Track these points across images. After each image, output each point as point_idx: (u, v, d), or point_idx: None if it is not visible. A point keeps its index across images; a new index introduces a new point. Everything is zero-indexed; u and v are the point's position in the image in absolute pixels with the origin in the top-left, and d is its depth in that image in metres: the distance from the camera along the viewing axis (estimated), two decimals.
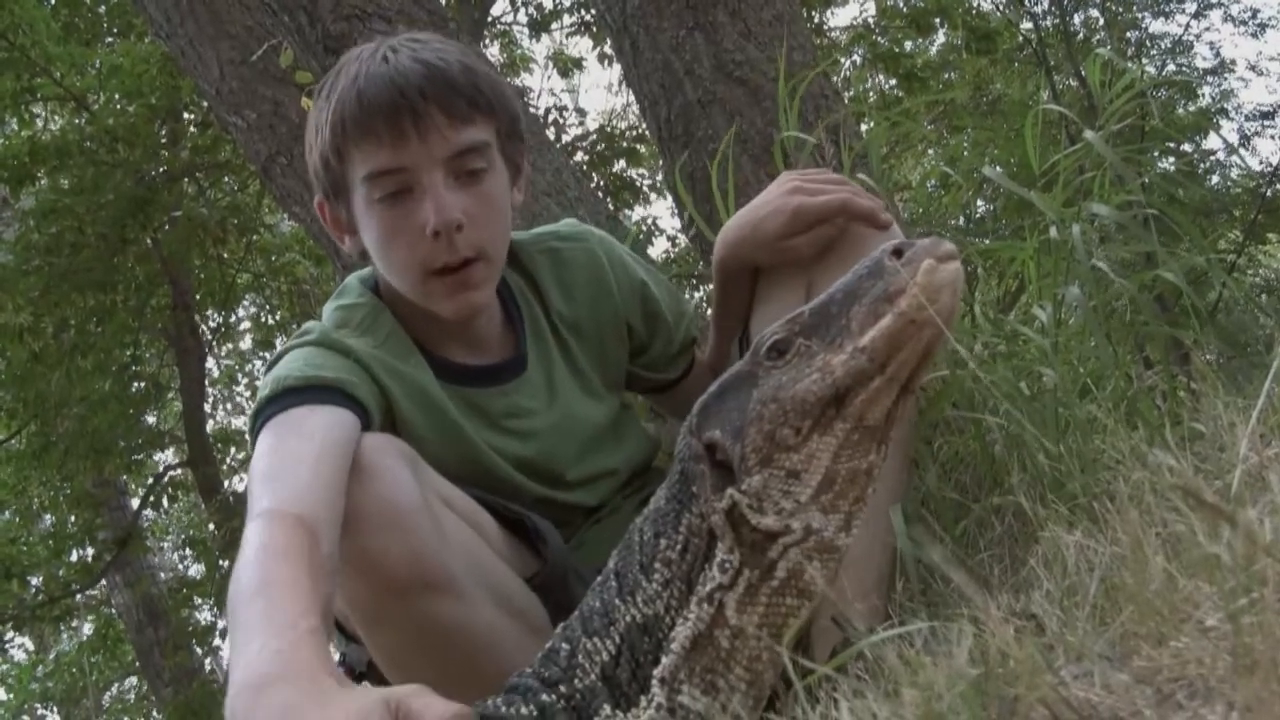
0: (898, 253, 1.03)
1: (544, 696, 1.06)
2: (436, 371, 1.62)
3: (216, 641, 9.04)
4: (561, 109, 7.99)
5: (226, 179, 7.94)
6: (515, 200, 1.64)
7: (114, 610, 9.44)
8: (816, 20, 7.76)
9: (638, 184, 8.37)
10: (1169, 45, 10.49)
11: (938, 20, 7.52)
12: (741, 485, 1.03)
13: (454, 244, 1.50)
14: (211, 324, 9.37)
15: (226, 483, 8.33)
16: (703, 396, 1.10)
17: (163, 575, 9.74)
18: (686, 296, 3.15)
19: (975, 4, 8.13)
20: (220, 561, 7.98)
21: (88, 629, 10.90)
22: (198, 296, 8.35)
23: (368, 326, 1.58)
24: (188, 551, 10.60)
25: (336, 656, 1.51)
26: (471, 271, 1.54)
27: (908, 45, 8.23)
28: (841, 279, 1.07)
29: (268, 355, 9.78)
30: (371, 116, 1.48)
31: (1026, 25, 9.25)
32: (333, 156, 1.53)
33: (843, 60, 7.43)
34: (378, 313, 1.61)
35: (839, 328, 1.03)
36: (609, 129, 8.48)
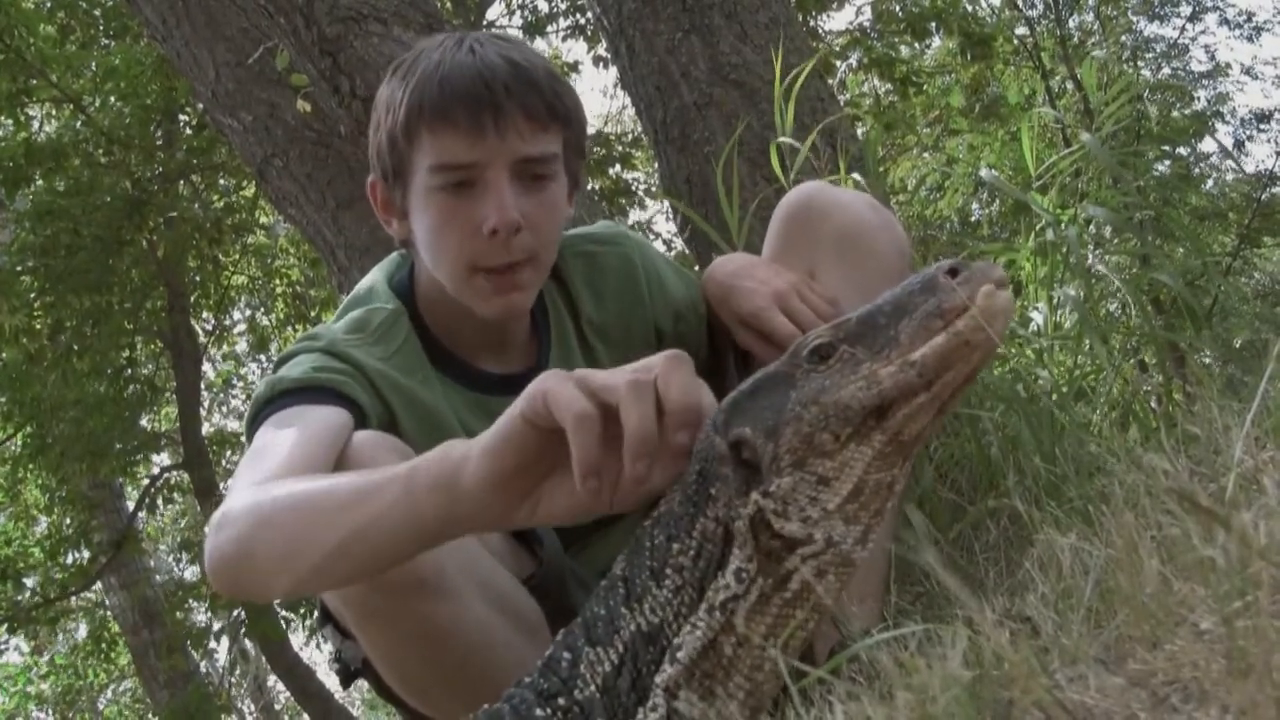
0: (953, 271, 1.03)
1: (538, 712, 1.05)
2: (460, 379, 1.61)
3: (212, 644, 9.03)
4: None
5: (222, 180, 7.94)
6: (567, 213, 1.61)
7: (109, 613, 9.43)
8: (811, 24, 7.76)
9: (633, 188, 8.38)
10: (1164, 49, 10.52)
11: (933, 25, 7.53)
12: (769, 486, 1.01)
13: (509, 245, 1.48)
14: (207, 326, 9.37)
15: (222, 485, 8.30)
16: (732, 394, 1.08)
17: (158, 578, 9.74)
18: None
19: (970, 8, 8.14)
20: None
21: (83, 631, 10.90)
22: (193, 299, 8.34)
23: (381, 335, 1.56)
24: (183, 554, 10.61)
25: (331, 653, 1.51)
26: (519, 273, 1.52)
27: (903, 50, 8.24)
28: (890, 291, 1.06)
29: (263, 358, 9.80)
30: (453, 104, 1.45)
31: (1022, 30, 9.28)
32: (402, 137, 1.50)
33: (838, 64, 7.44)
34: (395, 319, 1.58)
35: (886, 339, 1.02)
36: (605, 133, 8.49)
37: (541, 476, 1.06)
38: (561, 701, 1.05)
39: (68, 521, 8.40)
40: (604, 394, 1.01)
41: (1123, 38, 10.62)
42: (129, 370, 8.07)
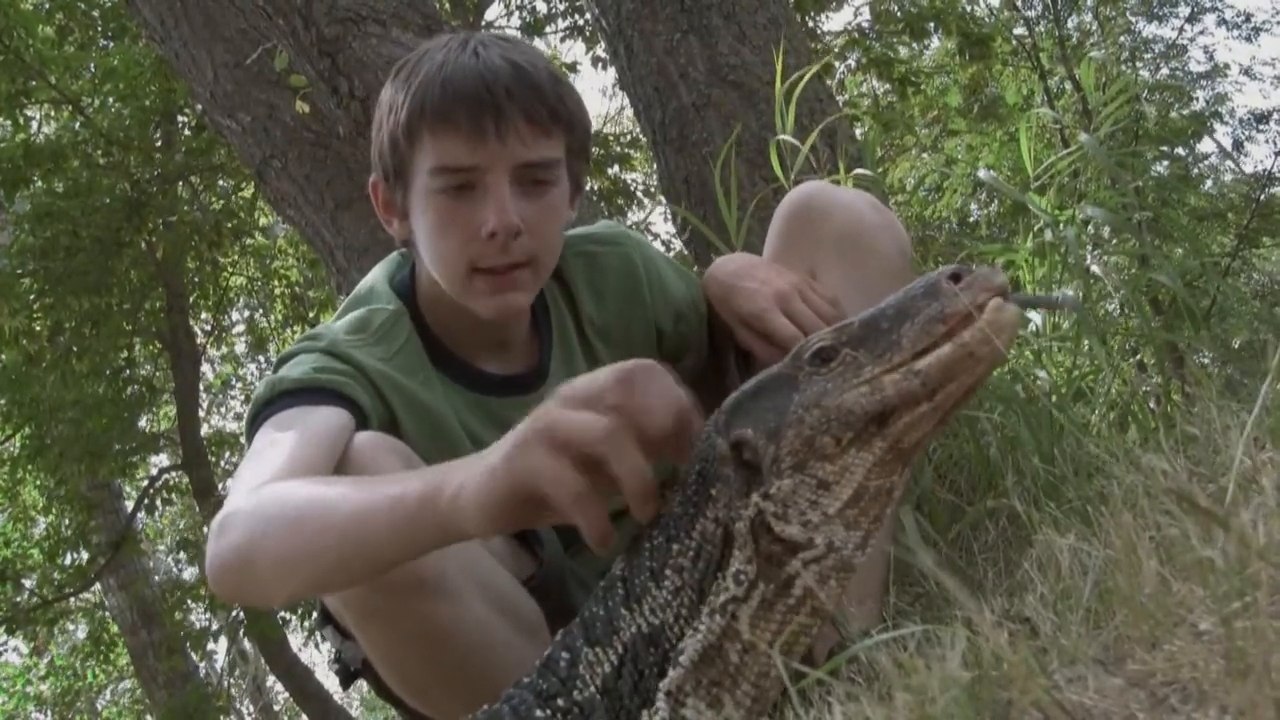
0: (955, 277, 1.03)
1: (538, 712, 1.05)
2: (461, 379, 1.60)
3: (211, 645, 9.03)
4: None
5: (221, 182, 7.94)
6: (568, 216, 1.61)
7: (108, 614, 9.42)
8: (810, 25, 7.76)
9: (632, 188, 8.38)
10: (1163, 50, 10.53)
11: (931, 25, 7.53)
12: (770, 488, 1.01)
13: (508, 248, 1.48)
14: (206, 327, 9.37)
15: (221, 486, 8.30)
16: (734, 394, 1.08)
17: (157, 578, 9.73)
18: None
19: (969, 8, 8.15)
20: None
21: (82, 632, 10.90)
22: (192, 300, 8.34)
23: (382, 335, 1.56)
24: (182, 555, 10.61)
25: (331, 654, 1.51)
26: (518, 274, 1.52)
27: (902, 50, 8.24)
28: (893, 295, 1.07)
29: (262, 359, 9.80)
30: (454, 107, 1.45)
31: (1020, 30, 9.28)
32: (404, 139, 1.50)
33: (837, 65, 7.44)
34: (397, 319, 1.58)
35: (889, 343, 1.02)
36: (603, 133, 8.49)
37: (539, 512, 1.06)
38: (561, 702, 1.05)
39: (66, 522, 8.40)
40: (583, 447, 1.01)
41: (1121, 38, 10.63)
42: (128, 371, 8.07)
